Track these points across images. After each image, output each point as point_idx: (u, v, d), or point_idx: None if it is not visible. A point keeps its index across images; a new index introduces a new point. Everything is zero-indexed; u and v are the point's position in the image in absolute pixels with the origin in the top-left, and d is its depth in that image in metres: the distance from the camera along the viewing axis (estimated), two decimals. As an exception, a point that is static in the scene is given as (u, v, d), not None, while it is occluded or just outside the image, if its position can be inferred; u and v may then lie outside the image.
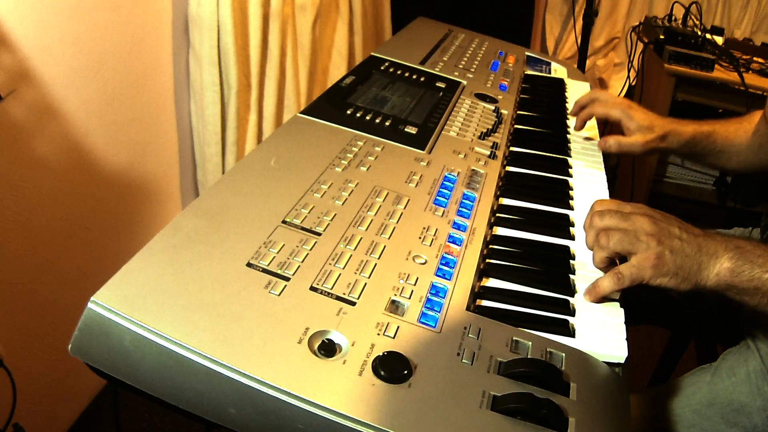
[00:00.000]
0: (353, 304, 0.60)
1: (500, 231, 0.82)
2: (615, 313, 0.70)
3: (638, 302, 0.70)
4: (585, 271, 0.76)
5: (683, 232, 0.70)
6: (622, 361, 0.64)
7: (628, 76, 2.53)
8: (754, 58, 2.22)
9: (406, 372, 0.54)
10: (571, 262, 0.78)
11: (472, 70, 1.33)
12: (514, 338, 0.62)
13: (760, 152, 1.07)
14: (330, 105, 1.00)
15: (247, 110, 1.58)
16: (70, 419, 1.40)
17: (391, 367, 0.53)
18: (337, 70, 1.96)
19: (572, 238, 0.83)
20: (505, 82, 1.31)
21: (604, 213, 0.73)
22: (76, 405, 1.42)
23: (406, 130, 0.98)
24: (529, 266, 0.75)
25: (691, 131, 1.07)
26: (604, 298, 0.71)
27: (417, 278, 0.66)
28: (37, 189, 1.13)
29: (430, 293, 0.64)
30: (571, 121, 1.19)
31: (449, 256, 0.71)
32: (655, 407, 0.94)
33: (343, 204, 0.74)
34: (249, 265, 0.61)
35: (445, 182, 0.86)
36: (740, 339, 0.95)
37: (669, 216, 0.72)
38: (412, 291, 0.64)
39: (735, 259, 0.69)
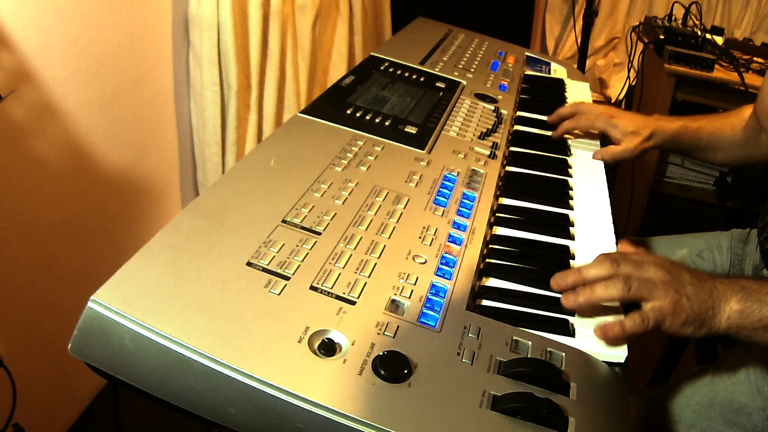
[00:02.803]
0: (353, 303, 0.60)
1: (500, 231, 0.82)
2: (615, 313, 0.70)
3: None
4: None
5: (693, 277, 0.69)
6: (622, 360, 0.64)
7: (628, 76, 2.53)
8: (754, 58, 2.21)
9: (406, 371, 0.54)
10: (571, 261, 0.78)
11: (472, 70, 1.33)
12: (514, 338, 0.62)
13: (746, 147, 1.08)
14: (330, 105, 1.00)
15: (247, 110, 1.58)
16: (70, 419, 1.40)
17: (391, 367, 0.53)
18: (337, 70, 1.96)
19: (572, 237, 0.83)
20: (505, 82, 1.31)
21: (619, 260, 0.69)
22: (76, 405, 1.42)
23: (405, 129, 0.98)
24: (529, 266, 0.75)
25: (675, 127, 1.08)
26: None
27: (417, 278, 0.66)
28: (37, 189, 1.13)
29: (430, 293, 0.64)
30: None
31: (449, 256, 0.71)
32: (655, 407, 0.94)
33: (343, 203, 0.74)
34: (249, 264, 0.61)
35: (444, 182, 0.86)
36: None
37: (675, 262, 0.71)
38: (412, 290, 0.64)
39: (743, 300, 0.68)
